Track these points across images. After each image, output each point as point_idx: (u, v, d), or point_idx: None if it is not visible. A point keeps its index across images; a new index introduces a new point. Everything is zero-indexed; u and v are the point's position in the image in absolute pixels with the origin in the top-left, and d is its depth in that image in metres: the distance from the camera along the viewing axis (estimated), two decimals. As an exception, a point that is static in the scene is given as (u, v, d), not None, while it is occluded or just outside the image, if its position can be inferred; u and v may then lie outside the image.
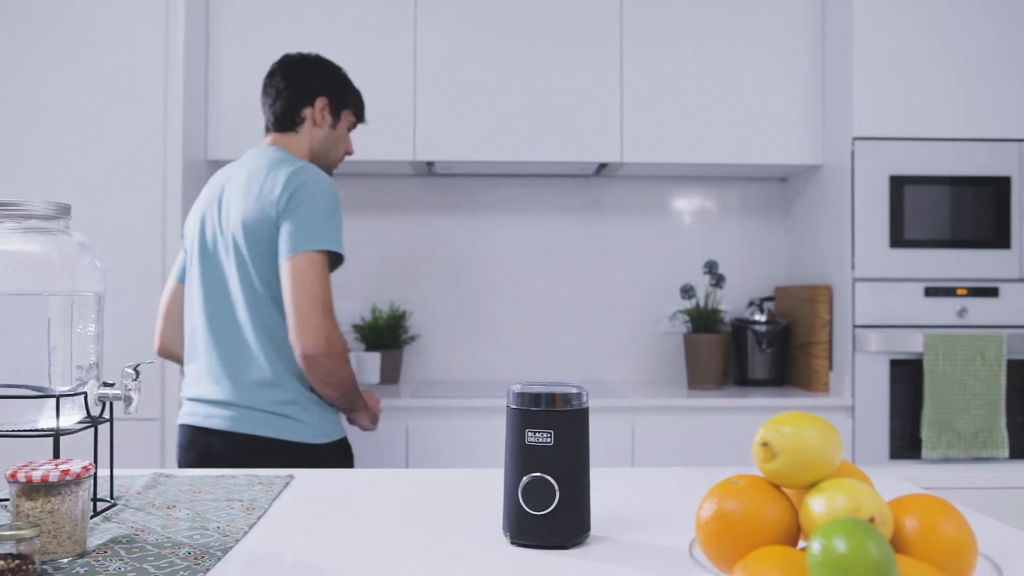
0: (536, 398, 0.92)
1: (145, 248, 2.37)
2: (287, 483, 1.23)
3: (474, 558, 0.90)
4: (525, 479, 0.91)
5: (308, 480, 1.26)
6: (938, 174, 2.47)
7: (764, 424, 0.63)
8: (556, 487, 0.90)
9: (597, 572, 0.85)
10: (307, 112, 1.93)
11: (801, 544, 0.63)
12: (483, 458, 2.30)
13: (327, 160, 1.99)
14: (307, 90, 1.94)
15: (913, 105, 2.49)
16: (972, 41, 2.49)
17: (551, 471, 0.91)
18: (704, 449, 2.44)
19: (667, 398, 2.51)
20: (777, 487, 0.64)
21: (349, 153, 2.04)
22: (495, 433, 2.32)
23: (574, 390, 0.93)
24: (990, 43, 2.50)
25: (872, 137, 2.48)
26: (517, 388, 0.94)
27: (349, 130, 2.02)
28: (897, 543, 0.59)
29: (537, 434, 0.91)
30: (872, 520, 0.56)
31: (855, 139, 2.48)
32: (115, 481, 1.19)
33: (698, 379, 2.71)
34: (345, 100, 2.00)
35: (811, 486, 0.62)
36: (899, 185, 2.47)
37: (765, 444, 0.61)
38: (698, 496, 1.27)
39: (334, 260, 1.82)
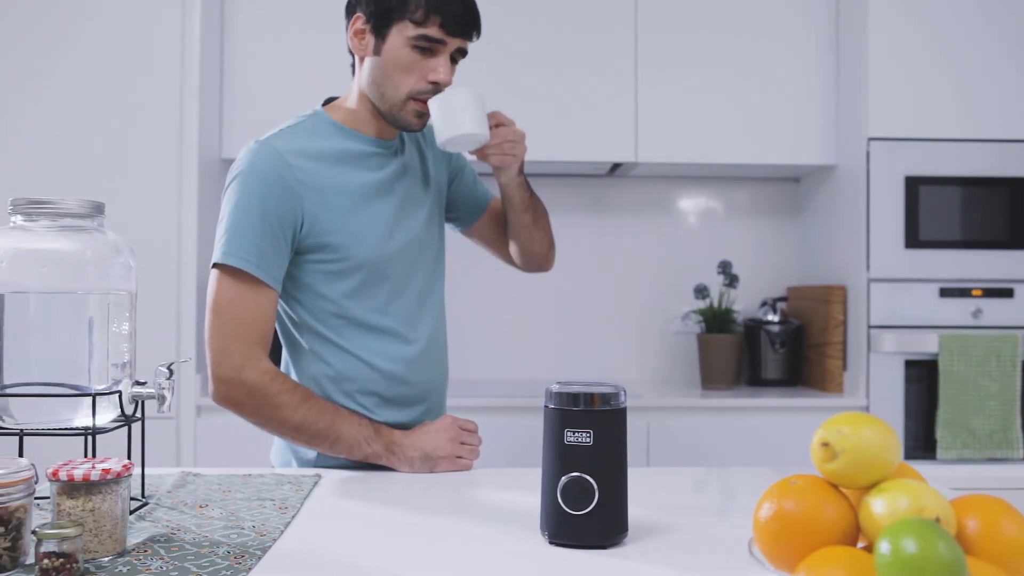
0: (575, 398, 0.92)
1: (161, 247, 2.37)
2: (316, 482, 1.22)
3: (514, 558, 0.90)
4: (564, 479, 0.91)
5: (337, 480, 1.26)
6: (953, 175, 2.47)
7: (823, 425, 0.63)
8: (595, 487, 0.90)
9: (639, 572, 0.85)
10: (351, 43, 1.39)
11: (859, 544, 0.63)
12: (500, 456, 2.30)
13: (385, 102, 1.36)
14: (347, 12, 1.40)
15: (929, 105, 2.48)
16: (989, 41, 2.49)
17: (590, 471, 0.90)
18: (719, 449, 2.43)
19: (681, 398, 2.51)
20: (835, 487, 0.64)
21: (435, 83, 1.34)
22: (509, 431, 2.32)
23: (612, 389, 0.93)
24: (1007, 43, 2.49)
25: (887, 138, 2.47)
26: (555, 388, 0.94)
27: (423, 49, 1.33)
28: (959, 543, 0.58)
29: (576, 434, 0.91)
30: (937, 521, 0.56)
31: (870, 139, 2.47)
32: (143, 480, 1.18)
33: (712, 379, 2.71)
34: (392, 4, 1.32)
35: (870, 487, 0.62)
36: (914, 186, 2.46)
37: (825, 444, 0.61)
38: (728, 496, 1.27)
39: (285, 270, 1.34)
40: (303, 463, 1.41)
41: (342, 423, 1.32)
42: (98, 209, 1.03)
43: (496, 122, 1.40)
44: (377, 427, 1.35)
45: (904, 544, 0.51)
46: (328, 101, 1.47)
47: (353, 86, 1.43)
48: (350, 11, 1.39)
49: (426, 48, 1.33)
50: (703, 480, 1.39)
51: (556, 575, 0.85)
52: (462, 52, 1.38)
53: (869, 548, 0.60)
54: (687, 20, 2.67)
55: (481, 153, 1.41)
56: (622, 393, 0.94)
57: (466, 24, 1.34)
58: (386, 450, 1.34)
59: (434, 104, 1.34)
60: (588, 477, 0.90)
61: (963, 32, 2.49)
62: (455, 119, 1.33)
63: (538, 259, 1.67)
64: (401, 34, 1.32)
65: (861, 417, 0.63)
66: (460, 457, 1.36)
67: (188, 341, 2.38)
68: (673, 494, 1.20)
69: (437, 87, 1.35)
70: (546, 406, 0.94)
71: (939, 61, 2.49)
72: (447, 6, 1.31)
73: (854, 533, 0.62)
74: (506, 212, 1.59)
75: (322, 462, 1.39)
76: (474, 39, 1.39)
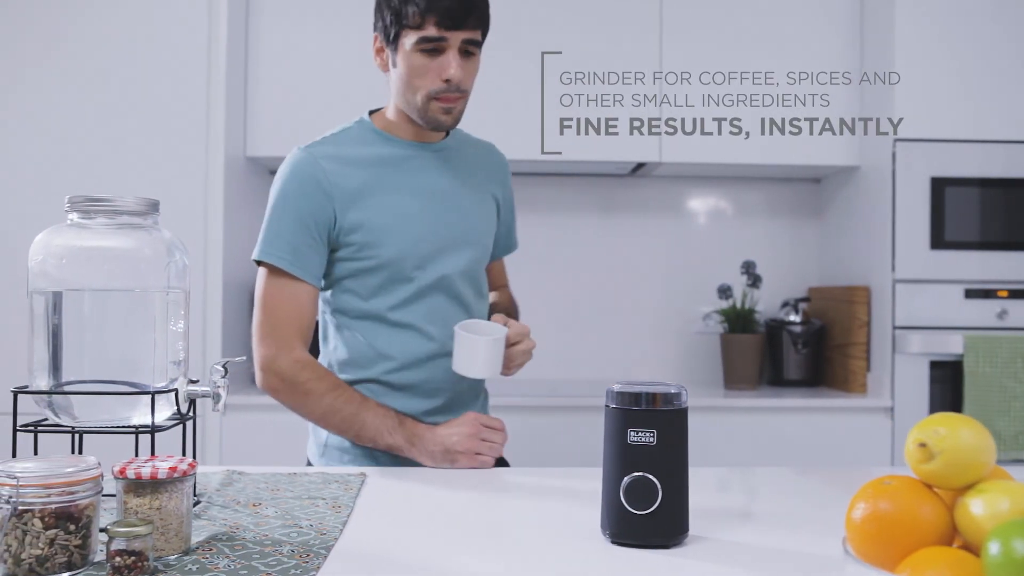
0: (637, 397, 0.92)
1: (187, 245, 2.36)
2: (363, 481, 1.22)
3: (578, 557, 0.90)
4: (627, 479, 0.91)
5: (384, 479, 1.26)
6: (980, 176, 2.46)
7: (917, 426, 0.63)
8: (659, 486, 0.90)
9: (708, 572, 0.85)
10: (376, 61, 1.49)
11: (953, 545, 0.63)
12: (530, 456, 2.29)
13: (411, 108, 1.43)
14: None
15: (955, 106, 2.48)
16: (1015, 42, 2.48)
17: (653, 470, 0.90)
18: (741, 449, 2.43)
19: (704, 398, 2.51)
20: (929, 487, 0.64)
21: (448, 81, 1.38)
22: (535, 430, 2.31)
23: (675, 389, 0.93)
24: (1032, 44, 2.49)
25: (913, 139, 2.47)
26: (617, 387, 0.93)
27: (429, 51, 1.37)
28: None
29: (640, 433, 0.91)
30: (1042, 522, 0.56)
31: (896, 140, 2.47)
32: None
33: (735, 379, 2.70)
34: (394, 17, 1.39)
35: (966, 488, 0.62)
36: (940, 187, 2.46)
37: (923, 445, 0.61)
38: (755, 497, 1.27)
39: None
40: (338, 451, 1.48)
41: (367, 412, 1.39)
42: (154, 207, 1.03)
43: (511, 342, 1.42)
44: (401, 419, 1.40)
45: (1015, 545, 0.51)
46: (373, 112, 1.54)
47: (390, 104, 1.50)
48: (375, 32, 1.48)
49: (431, 49, 1.37)
50: (727, 480, 1.39)
51: (624, 575, 0.85)
52: (474, 43, 1.40)
53: (965, 549, 0.60)
54: (711, 20, 2.67)
55: None
56: (684, 393, 0.94)
57: (460, 16, 1.36)
58: (407, 442, 1.38)
59: (457, 340, 1.40)
60: (651, 477, 0.90)
61: (989, 33, 2.48)
62: (471, 364, 1.40)
63: None
64: (407, 41, 1.38)
65: (957, 418, 0.62)
66: (479, 454, 1.38)
67: (214, 338, 2.38)
68: (705, 494, 1.20)
69: (451, 84, 1.38)
70: (607, 406, 0.94)
71: (965, 62, 2.48)
72: (438, 4, 1.34)
73: (950, 534, 0.62)
74: None
75: (356, 459, 1.45)
76: (477, 28, 1.39)
